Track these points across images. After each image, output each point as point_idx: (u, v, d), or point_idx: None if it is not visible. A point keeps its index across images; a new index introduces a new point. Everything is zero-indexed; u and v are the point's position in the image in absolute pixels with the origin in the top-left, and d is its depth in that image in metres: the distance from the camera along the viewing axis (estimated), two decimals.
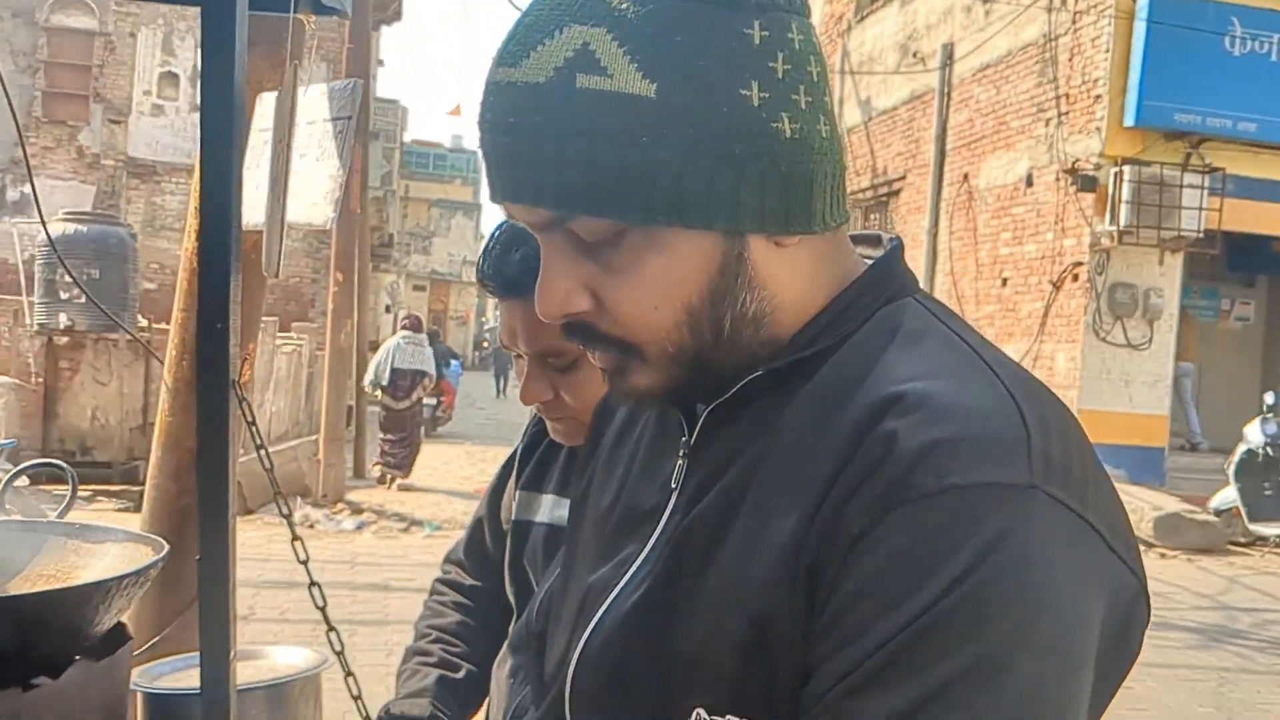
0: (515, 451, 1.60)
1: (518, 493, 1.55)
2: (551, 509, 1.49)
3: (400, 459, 12.51)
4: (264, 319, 13.75)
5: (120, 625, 1.55)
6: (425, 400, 13.34)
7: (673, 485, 0.86)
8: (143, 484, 10.72)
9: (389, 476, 12.57)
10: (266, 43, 2.64)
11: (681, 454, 0.86)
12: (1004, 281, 14.10)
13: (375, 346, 14.88)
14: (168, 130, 22.04)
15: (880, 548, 0.69)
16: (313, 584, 1.57)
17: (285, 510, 1.81)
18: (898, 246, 0.88)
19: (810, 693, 0.71)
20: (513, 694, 1.39)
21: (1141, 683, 6.25)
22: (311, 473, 11.54)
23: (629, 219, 0.75)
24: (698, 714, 0.76)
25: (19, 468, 1.73)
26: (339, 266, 12.16)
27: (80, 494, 2.01)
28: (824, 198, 0.79)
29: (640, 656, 0.82)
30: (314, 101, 1.71)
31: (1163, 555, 10.18)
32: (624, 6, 0.72)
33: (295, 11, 1.65)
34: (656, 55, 0.72)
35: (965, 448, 0.70)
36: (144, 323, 11.61)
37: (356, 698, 1.54)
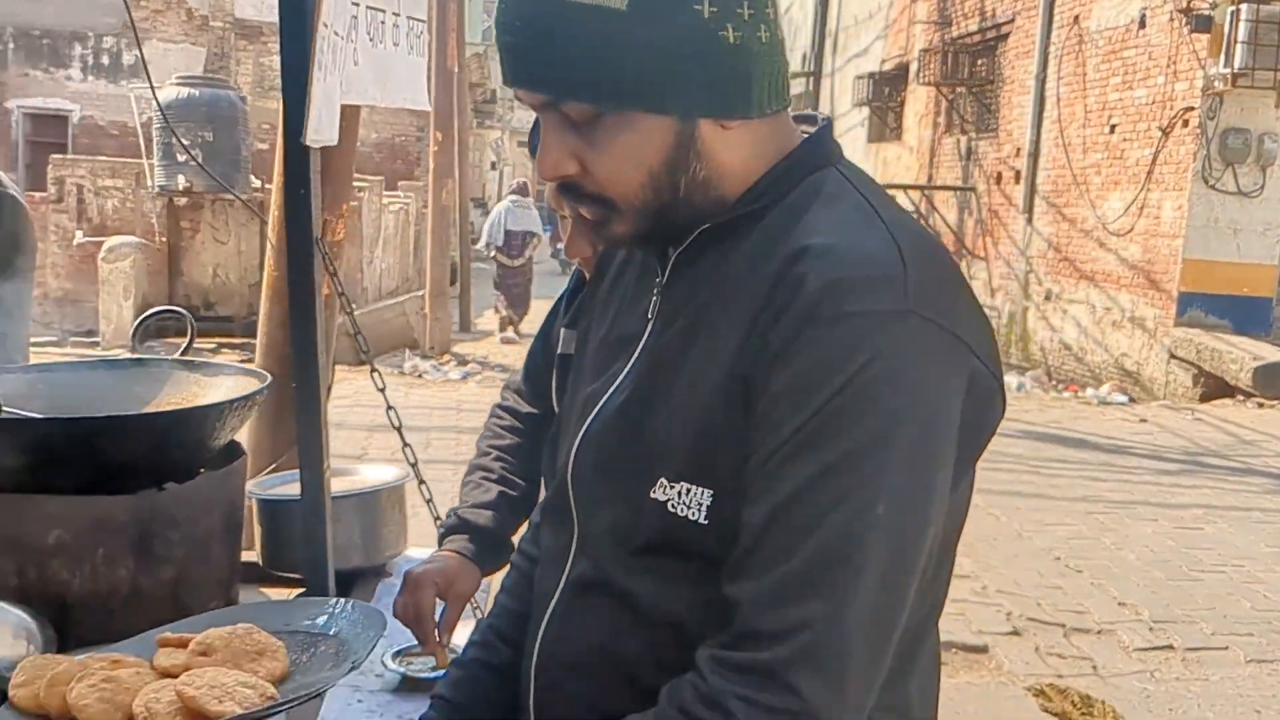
0: (561, 294, 1.85)
1: (562, 331, 1.80)
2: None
3: (519, 308, 13.63)
4: (370, 178, 14.09)
5: (235, 443, 1.86)
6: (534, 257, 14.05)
7: (649, 316, 1.10)
8: None
9: (511, 321, 13.68)
10: None
11: (655, 291, 1.10)
12: (1112, 129, 13.71)
13: (481, 204, 15.40)
14: None
15: (794, 360, 0.94)
16: (390, 407, 1.85)
17: (373, 366, 2.08)
18: (827, 125, 1.10)
19: (749, 467, 0.96)
20: None
21: (1213, 524, 6.41)
22: (420, 326, 12.02)
23: (604, 104, 0.97)
24: (661, 481, 1.01)
25: (145, 314, 2.04)
26: (438, 126, 12.40)
27: (205, 345, 2.31)
28: (761, 90, 1.00)
29: (620, 443, 1.07)
30: None
31: (1260, 405, 10.13)
32: None
33: None
34: None
35: (856, 284, 0.94)
36: (257, 183, 12.05)
37: (428, 500, 1.83)
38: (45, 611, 1.50)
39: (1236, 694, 4.21)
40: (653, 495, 1.02)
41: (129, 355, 1.96)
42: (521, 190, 14.22)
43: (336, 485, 1.91)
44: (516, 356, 11.59)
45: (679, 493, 1.00)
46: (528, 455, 1.84)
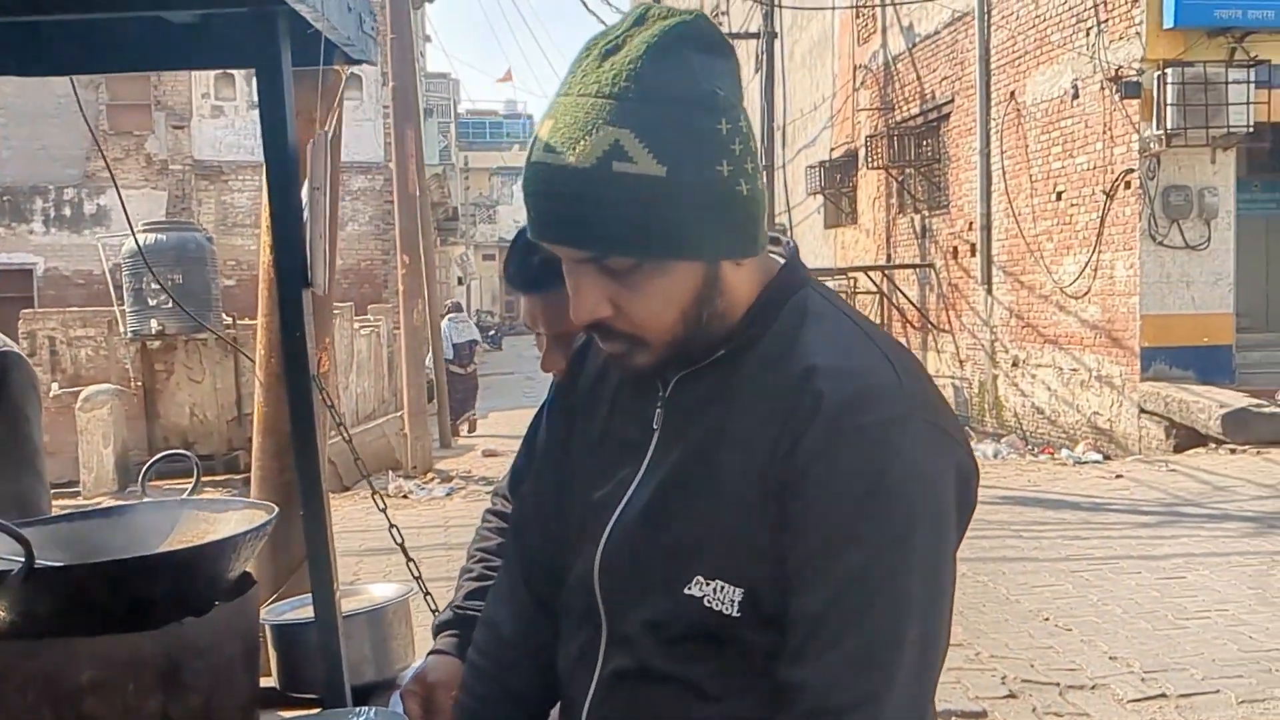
0: (542, 405, 1.98)
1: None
2: None
3: (469, 409, 16.10)
4: (339, 305, 14.26)
5: (247, 574, 1.97)
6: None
7: (654, 426, 1.22)
8: (244, 471, 11.27)
9: (467, 423, 15.95)
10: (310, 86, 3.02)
11: (659, 404, 1.22)
12: (1058, 195, 14.12)
13: (454, 310, 17.21)
14: (229, 130, 22.62)
15: (825, 469, 1.08)
16: (392, 525, 1.97)
17: (373, 488, 2.21)
18: (794, 249, 1.26)
19: (792, 563, 1.09)
20: None
21: (1194, 571, 6.52)
22: (400, 447, 12.10)
23: (647, 256, 1.10)
24: (697, 579, 1.14)
25: (155, 458, 2.16)
26: (404, 248, 12.63)
27: (186, 485, 2.41)
28: (761, 230, 1.16)
29: (649, 546, 1.19)
30: None
31: (1232, 450, 10.32)
32: (643, 113, 1.06)
33: (330, 64, 2.04)
34: (665, 148, 1.06)
35: (867, 397, 1.10)
36: (229, 320, 12.20)
37: (434, 610, 1.94)
38: None
39: None
40: (688, 591, 1.14)
41: (141, 500, 2.07)
42: (456, 308, 17.02)
43: (346, 605, 2.02)
44: (500, 468, 11.66)
45: (714, 589, 1.13)
46: None
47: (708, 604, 1.13)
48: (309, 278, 1.81)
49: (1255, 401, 11.11)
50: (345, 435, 2.00)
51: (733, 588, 1.12)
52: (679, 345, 1.16)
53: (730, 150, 1.10)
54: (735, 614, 1.12)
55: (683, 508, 1.17)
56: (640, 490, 1.21)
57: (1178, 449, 10.87)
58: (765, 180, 1.20)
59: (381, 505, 1.96)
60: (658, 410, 1.22)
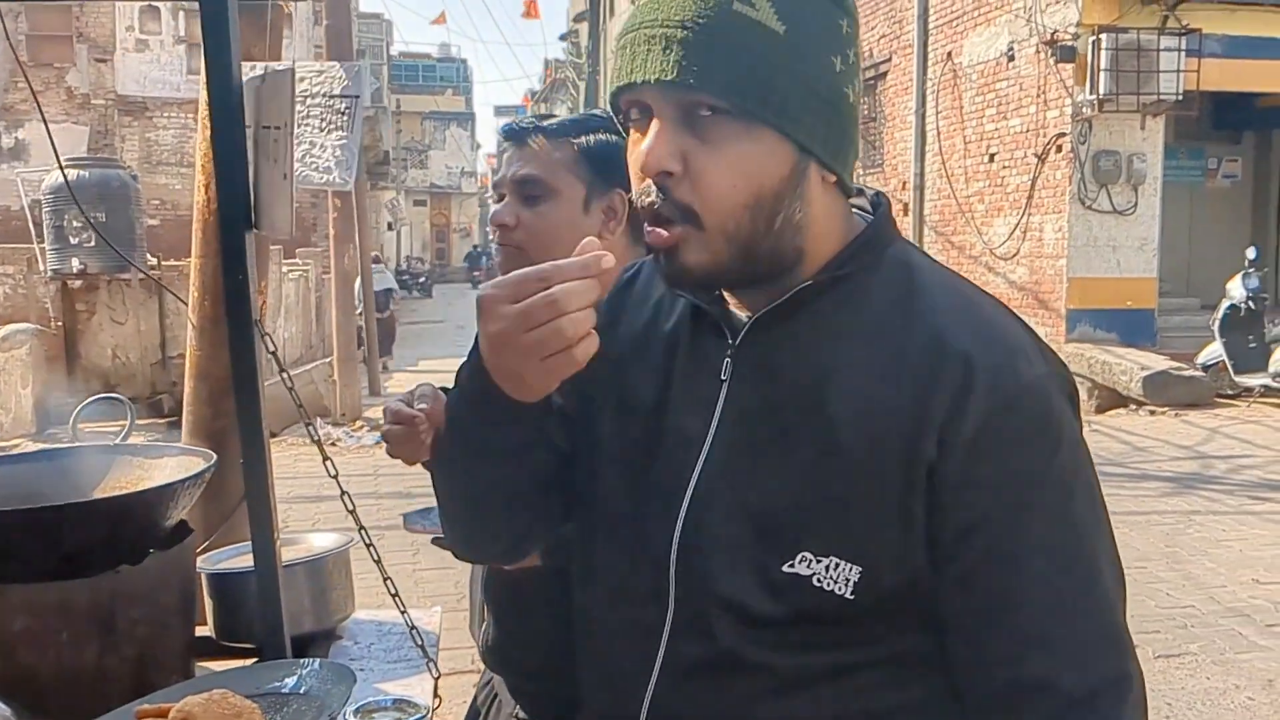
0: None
1: None
2: None
3: (385, 353, 17.29)
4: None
5: (183, 521, 1.93)
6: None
7: (722, 377, 1.07)
8: (167, 416, 11.04)
9: (382, 364, 16.59)
10: (249, 21, 2.93)
11: (729, 353, 1.08)
12: (991, 157, 14.27)
13: (379, 261, 17.33)
14: (154, 65, 22.01)
15: (995, 446, 0.98)
16: (343, 493, 1.94)
17: (315, 436, 2.16)
18: (888, 204, 1.13)
19: (972, 551, 0.98)
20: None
21: (1114, 529, 6.68)
22: (329, 393, 11.96)
23: (742, 107, 0.97)
24: (804, 555, 0.99)
25: (86, 400, 2.10)
26: (336, 192, 12.40)
27: (110, 429, 2.36)
28: (853, 158, 1.05)
29: (739, 513, 1.03)
30: (309, 78, 2.00)
31: (1151, 412, 10.58)
32: None
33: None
34: (789, 9, 0.98)
35: (1016, 359, 1.00)
36: (153, 260, 11.91)
37: (377, 561, 1.92)
38: (19, 698, 1.56)
39: (1149, 689, 4.40)
40: (790, 569, 1.00)
41: (72, 444, 2.01)
42: (375, 260, 18.00)
43: (285, 554, 1.99)
44: None
45: (826, 567, 0.99)
46: None
47: (817, 583, 0.99)
48: (254, 220, 1.76)
49: (1175, 364, 11.40)
50: (288, 381, 1.95)
51: (849, 565, 0.99)
52: (739, 247, 1.00)
53: (846, 50, 1.02)
54: (850, 595, 0.99)
55: (778, 468, 1.02)
56: (715, 453, 1.06)
57: (1099, 410, 11.12)
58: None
59: (333, 472, 1.92)
60: (726, 359, 1.08)
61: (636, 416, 1.13)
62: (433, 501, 1.70)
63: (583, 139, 1.61)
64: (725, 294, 1.10)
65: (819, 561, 0.99)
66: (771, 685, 1.03)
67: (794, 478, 1.01)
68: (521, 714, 1.72)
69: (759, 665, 1.02)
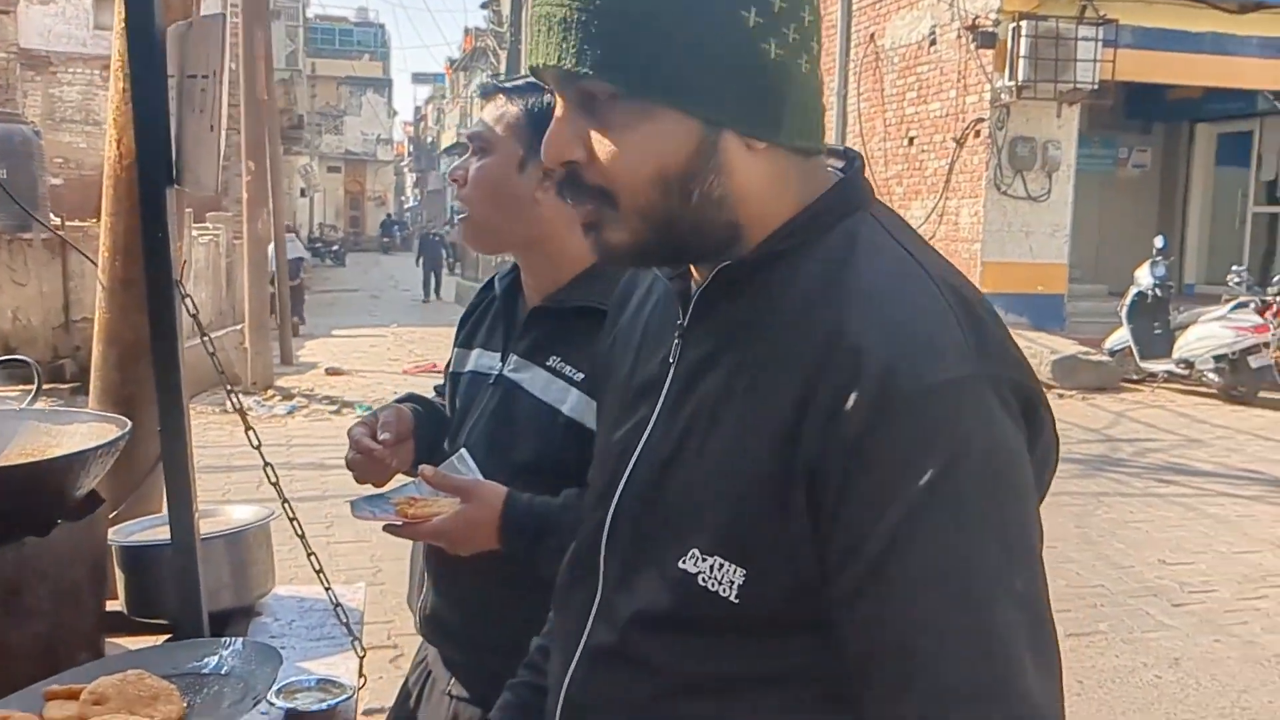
0: (463, 315, 1.90)
1: (455, 350, 1.86)
2: (476, 360, 1.78)
3: (297, 312, 17.28)
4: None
5: (94, 492, 1.83)
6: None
7: (669, 360, 1.03)
8: (70, 380, 10.69)
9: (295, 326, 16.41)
10: None
11: (677, 335, 1.03)
12: (910, 140, 14.42)
13: (293, 232, 16.64)
14: (59, 19, 21.24)
15: (878, 454, 0.85)
16: (266, 464, 1.87)
17: (236, 405, 2.07)
18: (859, 165, 1.03)
19: (848, 566, 0.87)
20: None
21: None
22: (240, 361, 11.68)
23: (630, 87, 0.91)
24: (693, 552, 0.94)
25: None
26: (250, 155, 12.10)
27: (9, 394, 2.25)
28: (795, 117, 0.94)
29: (652, 502, 1.00)
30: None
31: (1060, 396, 10.80)
32: None
33: None
34: None
35: (920, 356, 0.86)
36: (57, 220, 11.51)
37: (301, 535, 1.84)
38: None
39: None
40: (682, 565, 0.95)
41: None
42: (288, 229, 18.04)
43: (203, 527, 1.90)
44: (344, 388, 11.39)
45: (710, 566, 0.94)
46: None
47: (702, 582, 0.94)
48: (176, 175, 1.67)
49: (1083, 349, 11.66)
50: (209, 345, 1.86)
51: (734, 567, 0.92)
52: (658, 222, 0.95)
53: (766, 1, 0.91)
54: (733, 598, 0.92)
55: (686, 462, 0.98)
56: (651, 438, 1.03)
57: None
58: (819, 74, 0.93)
59: (256, 444, 1.84)
60: (675, 342, 1.03)
61: (615, 396, 1.13)
62: (371, 490, 1.67)
63: (532, 100, 1.63)
64: (693, 270, 1.04)
65: (704, 560, 0.94)
66: (669, 687, 0.98)
67: (704, 470, 0.96)
68: (455, 689, 1.68)
69: (658, 665, 0.98)
